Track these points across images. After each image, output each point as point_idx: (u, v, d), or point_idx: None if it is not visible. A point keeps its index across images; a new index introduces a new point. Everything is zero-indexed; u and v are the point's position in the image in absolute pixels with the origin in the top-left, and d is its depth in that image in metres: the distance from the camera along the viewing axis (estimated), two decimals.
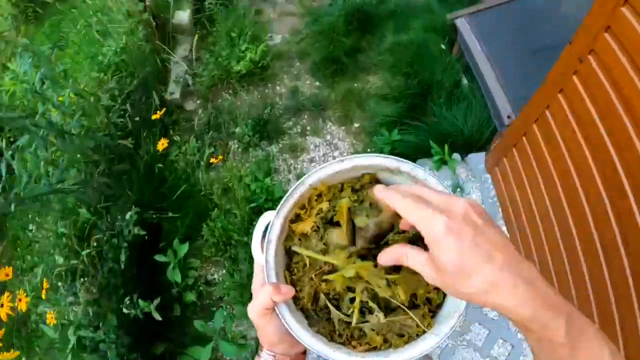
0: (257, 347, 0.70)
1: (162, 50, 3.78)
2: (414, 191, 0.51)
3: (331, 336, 0.63)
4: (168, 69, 3.86)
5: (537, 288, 0.42)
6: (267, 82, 3.87)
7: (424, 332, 0.60)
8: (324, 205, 0.66)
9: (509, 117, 2.80)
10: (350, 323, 0.62)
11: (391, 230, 0.64)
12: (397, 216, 0.59)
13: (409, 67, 3.58)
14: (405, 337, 0.61)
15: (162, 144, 2.82)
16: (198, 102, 3.85)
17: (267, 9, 4.36)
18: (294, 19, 4.25)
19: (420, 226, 0.47)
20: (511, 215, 2.62)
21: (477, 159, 2.99)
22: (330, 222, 0.67)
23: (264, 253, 0.63)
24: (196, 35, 3.99)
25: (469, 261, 0.43)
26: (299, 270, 0.66)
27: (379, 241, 0.64)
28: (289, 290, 0.60)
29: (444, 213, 0.45)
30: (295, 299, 0.65)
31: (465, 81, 3.41)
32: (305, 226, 0.66)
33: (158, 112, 2.98)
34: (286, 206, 0.66)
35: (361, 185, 0.69)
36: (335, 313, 0.63)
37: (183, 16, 4.03)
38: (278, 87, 3.86)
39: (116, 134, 2.86)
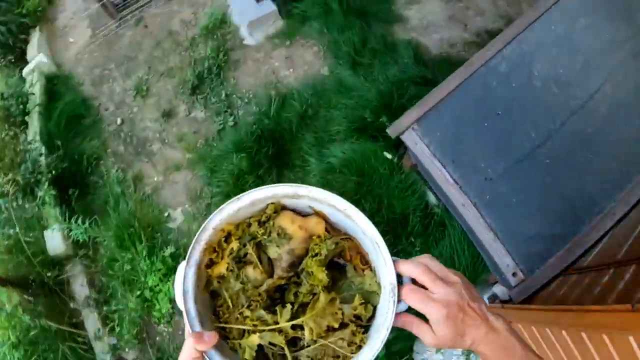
0: None
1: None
2: (422, 261, 0.64)
3: None
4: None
5: (504, 339, 0.60)
6: None
7: (360, 347, 0.63)
8: (234, 245, 0.68)
9: (514, 274, 2.07)
10: (284, 355, 0.64)
11: (305, 255, 0.68)
12: (307, 240, 0.68)
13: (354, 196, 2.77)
14: (341, 358, 0.63)
15: None
16: None
17: (147, 169, 3.30)
18: (186, 176, 3.22)
19: (426, 313, 0.60)
20: None
21: None
22: (245, 260, 0.69)
23: (184, 304, 0.63)
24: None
25: (460, 332, 0.60)
26: (224, 313, 0.67)
27: (296, 267, 0.68)
28: (212, 338, 0.60)
29: (443, 304, 0.59)
30: (227, 339, 0.66)
31: (432, 199, 2.66)
32: (220, 269, 0.67)
33: None
34: (195, 254, 0.66)
35: (267, 217, 0.69)
36: (268, 349, 0.64)
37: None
38: None
39: None
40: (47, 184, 2.96)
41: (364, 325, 0.65)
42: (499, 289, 2.19)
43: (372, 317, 0.65)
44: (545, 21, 2.08)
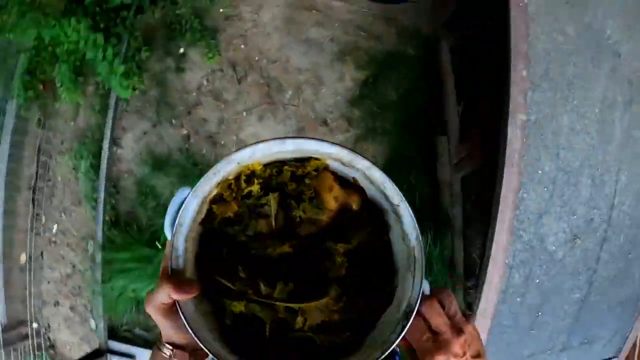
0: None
1: None
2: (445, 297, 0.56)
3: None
4: None
5: None
6: None
7: (345, 353, 0.55)
8: (255, 189, 0.57)
9: None
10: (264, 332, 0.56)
11: (328, 229, 0.58)
12: (337, 212, 0.58)
13: None
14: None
15: None
16: None
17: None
18: None
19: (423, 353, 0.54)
20: None
21: None
22: (259, 211, 0.58)
23: (173, 237, 0.53)
24: None
25: None
26: (214, 260, 0.57)
27: (312, 239, 0.58)
28: (192, 289, 0.51)
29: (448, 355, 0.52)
30: (206, 291, 0.55)
31: None
32: (228, 210, 0.57)
33: None
34: (207, 185, 0.54)
35: (304, 173, 0.58)
36: (249, 319, 0.57)
37: None
38: None
39: None
40: None
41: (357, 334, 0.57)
42: None
43: (371, 328, 0.57)
44: None
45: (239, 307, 0.55)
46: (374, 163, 0.55)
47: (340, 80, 2.51)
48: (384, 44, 2.54)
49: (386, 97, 2.44)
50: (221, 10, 2.61)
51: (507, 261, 1.65)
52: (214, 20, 2.60)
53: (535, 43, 1.58)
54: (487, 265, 1.63)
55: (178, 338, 0.54)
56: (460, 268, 2.32)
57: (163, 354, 0.55)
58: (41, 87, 2.57)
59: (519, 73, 1.56)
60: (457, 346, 0.52)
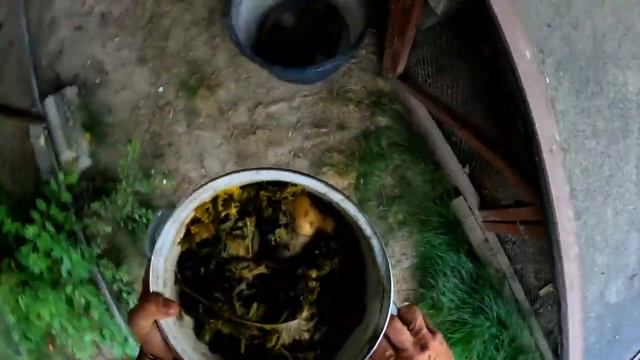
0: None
1: None
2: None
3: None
4: None
5: None
6: None
7: None
8: (232, 212, 0.59)
9: None
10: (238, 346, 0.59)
11: (303, 251, 0.61)
12: (312, 236, 0.60)
13: None
14: None
15: None
16: None
17: None
18: None
19: None
20: None
21: None
22: (235, 234, 0.60)
23: (153, 259, 0.54)
24: None
25: None
26: (192, 277, 0.60)
27: (287, 262, 0.60)
28: (172, 309, 0.54)
29: None
30: (184, 307, 0.58)
31: None
32: (205, 232, 0.60)
33: None
34: (184, 211, 0.56)
35: (281, 197, 0.60)
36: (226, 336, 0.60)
37: None
38: None
39: None
40: None
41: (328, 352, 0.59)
42: None
43: (339, 348, 0.60)
44: None
45: (215, 325, 0.58)
46: (347, 197, 0.56)
47: None
48: (352, 127, 2.20)
49: (385, 190, 2.20)
50: (164, 182, 2.21)
51: None
52: (166, 196, 2.22)
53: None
54: None
55: (160, 350, 0.56)
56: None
57: None
58: None
59: (564, 215, 1.39)
60: (426, 354, 0.54)
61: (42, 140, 2.26)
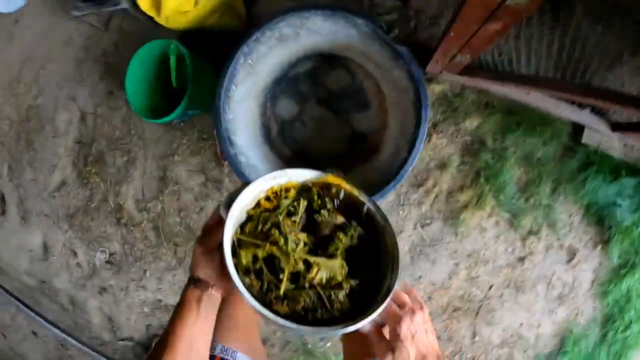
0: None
1: None
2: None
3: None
4: None
5: None
6: None
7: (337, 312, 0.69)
8: (291, 194, 0.78)
9: None
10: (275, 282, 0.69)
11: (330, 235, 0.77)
12: (338, 227, 0.78)
13: None
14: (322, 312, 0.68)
15: None
16: None
17: None
18: None
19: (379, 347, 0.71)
20: None
21: None
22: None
23: (228, 213, 0.69)
24: None
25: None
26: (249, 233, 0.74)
27: (322, 239, 0.77)
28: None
29: (403, 342, 0.67)
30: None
31: None
32: (269, 205, 0.77)
33: None
34: (264, 185, 0.76)
35: (327, 191, 0.80)
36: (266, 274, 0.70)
37: None
38: None
39: None
40: None
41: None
42: None
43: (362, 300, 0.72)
44: None
45: (269, 248, 0.69)
46: (373, 202, 0.80)
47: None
48: (449, 155, 1.84)
49: (521, 181, 1.89)
50: None
51: None
52: None
53: None
54: None
55: (205, 273, 0.74)
56: None
57: (192, 285, 0.74)
58: None
59: None
60: (419, 315, 0.70)
61: None
